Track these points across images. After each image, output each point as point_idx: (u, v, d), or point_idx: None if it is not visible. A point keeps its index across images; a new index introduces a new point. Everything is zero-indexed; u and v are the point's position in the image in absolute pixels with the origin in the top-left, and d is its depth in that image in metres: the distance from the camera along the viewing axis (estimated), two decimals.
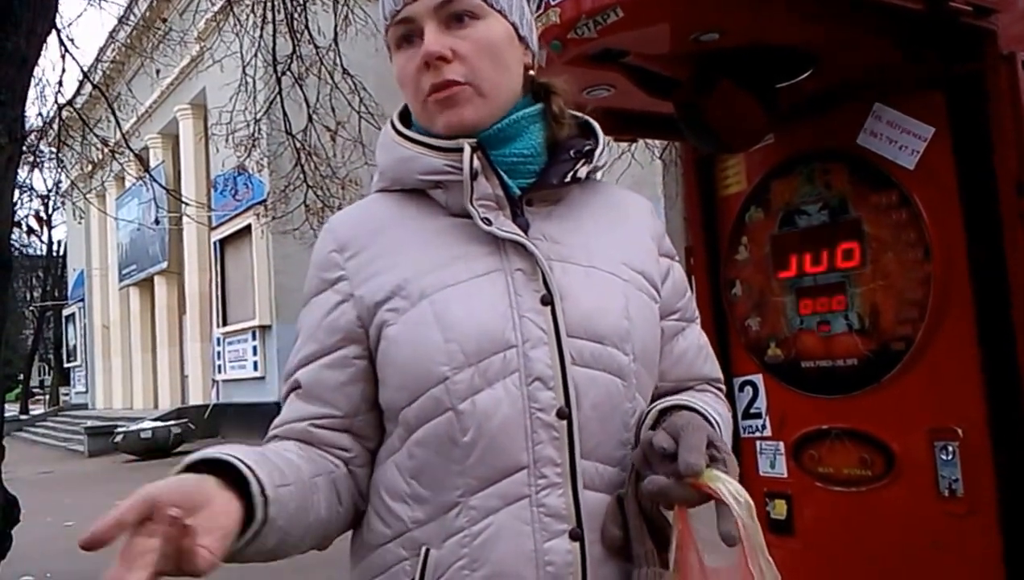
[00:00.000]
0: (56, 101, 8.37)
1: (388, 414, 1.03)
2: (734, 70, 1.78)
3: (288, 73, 7.75)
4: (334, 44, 7.74)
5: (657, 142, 7.54)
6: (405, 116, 1.11)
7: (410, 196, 1.08)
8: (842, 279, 1.95)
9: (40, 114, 12.88)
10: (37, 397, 38.97)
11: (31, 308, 34.87)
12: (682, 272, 1.18)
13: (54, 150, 9.52)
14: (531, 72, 1.10)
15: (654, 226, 1.15)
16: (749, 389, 2.19)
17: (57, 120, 8.58)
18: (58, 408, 29.59)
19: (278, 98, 7.92)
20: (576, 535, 0.96)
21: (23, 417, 27.40)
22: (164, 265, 20.41)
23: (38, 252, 34.10)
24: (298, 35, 7.53)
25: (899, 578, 1.89)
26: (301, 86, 7.93)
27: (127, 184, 21.20)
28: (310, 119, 8.08)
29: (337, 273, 1.05)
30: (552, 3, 1.68)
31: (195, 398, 19.30)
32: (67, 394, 32.34)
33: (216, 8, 10.86)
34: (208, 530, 0.77)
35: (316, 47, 7.70)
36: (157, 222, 17.95)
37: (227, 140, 8.70)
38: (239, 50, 7.97)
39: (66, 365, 32.06)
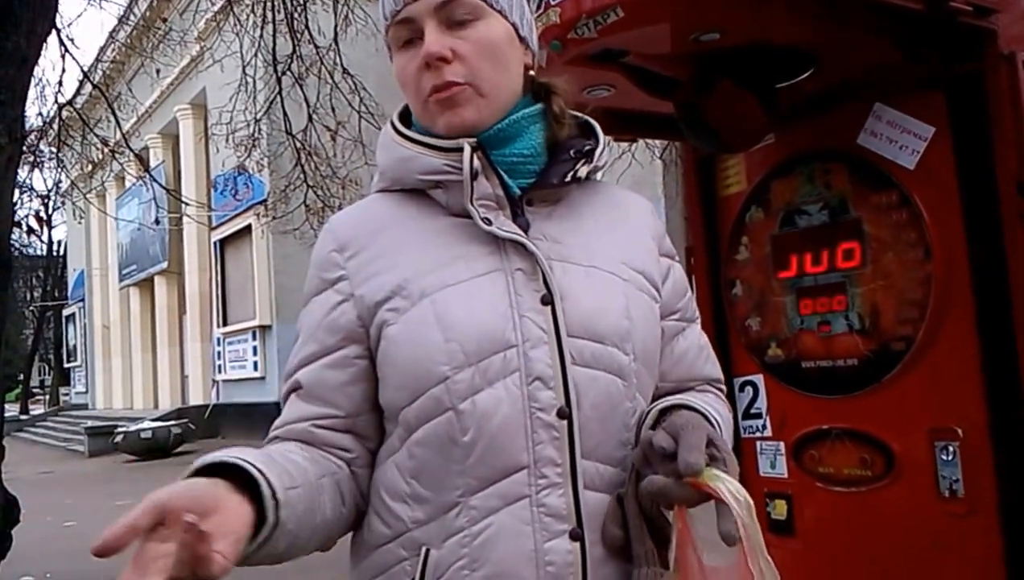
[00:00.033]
0: (56, 101, 8.39)
1: (388, 414, 1.03)
2: (734, 70, 1.78)
3: (288, 73, 7.75)
4: (334, 44, 7.74)
5: (657, 142, 7.55)
6: (405, 116, 1.11)
7: (410, 196, 1.08)
8: (842, 279, 1.95)
9: (40, 114, 12.90)
10: (37, 397, 38.98)
11: (31, 308, 34.89)
12: (682, 272, 1.18)
13: (54, 150, 9.52)
14: (531, 72, 1.10)
15: (654, 226, 1.15)
16: (749, 389, 2.19)
17: (57, 120, 8.59)
18: (58, 408, 29.59)
19: (278, 98, 7.91)
20: (576, 535, 0.96)
21: (23, 417, 27.41)
22: (164, 265, 20.42)
23: (38, 252, 34.13)
24: (298, 35, 7.53)
25: (900, 578, 1.89)
26: (301, 86, 7.93)
27: (127, 184, 21.21)
28: (310, 119, 8.08)
29: (337, 273, 1.05)
30: (552, 3, 1.67)
31: (195, 398, 19.31)
32: (67, 394, 32.35)
33: (216, 8, 10.86)
34: (222, 535, 0.76)
35: (316, 47, 7.70)
36: (157, 222, 17.95)
37: (227, 140, 8.71)
38: (239, 50, 7.97)
39: (66, 365, 32.07)
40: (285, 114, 7.94)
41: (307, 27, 7.56)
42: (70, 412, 26.22)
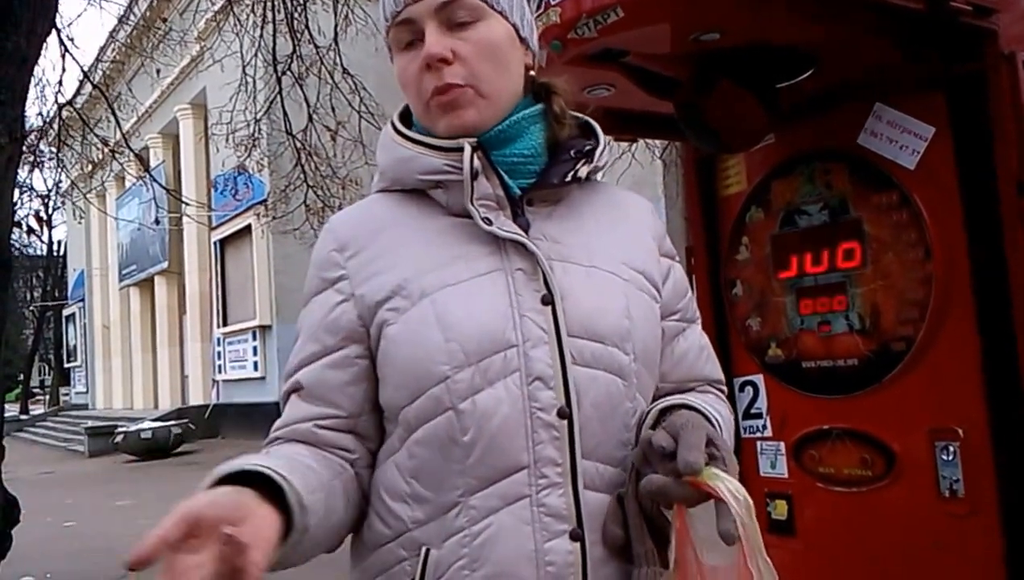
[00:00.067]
0: (56, 101, 8.38)
1: (388, 414, 1.03)
2: (734, 70, 1.78)
3: (288, 73, 7.75)
4: (334, 44, 7.74)
5: (657, 142, 7.54)
6: (406, 116, 1.11)
7: (410, 196, 1.08)
8: (843, 279, 1.95)
9: (40, 114, 12.89)
10: (37, 397, 38.97)
11: (31, 308, 34.88)
12: (683, 272, 1.18)
13: (54, 150, 9.51)
14: (532, 72, 1.10)
15: (655, 226, 1.15)
16: (750, 389, 2.19)
17: (57, 120, 8.58)
18: (58, 408, 29.58)
19: (278, 98, 7.91)
20: (576, 535, 0.96)
21: (23, 417, 27.40)
22: (164, 265, 20.42)
23: (38, 252, 34.13)
24: (298, 35, 7.53)
25: (900, 579, 1.89)
26: (301, 86, 7.93)
27: (127, 184, 21.20)
28: (310, 119, 8.08)
29: (338, 272, 1.05)
30: (552, 3, 1.68)
31: (195, 398, 19.30)
32: (67, 394, 32.35)
33: (216, 8, 10.86)
34: (254, 544, 0.76)
35: (316, 47, 7.70)
36: (157, 222, 17.94)
37: (227, 140, 8.70)
38: (239, 50, 7.97)
39: (66, 365, 32.06)
40: (285, 114, 7.94)
41: (307, 27, 7.55)
42: (70, 412, 26.22)
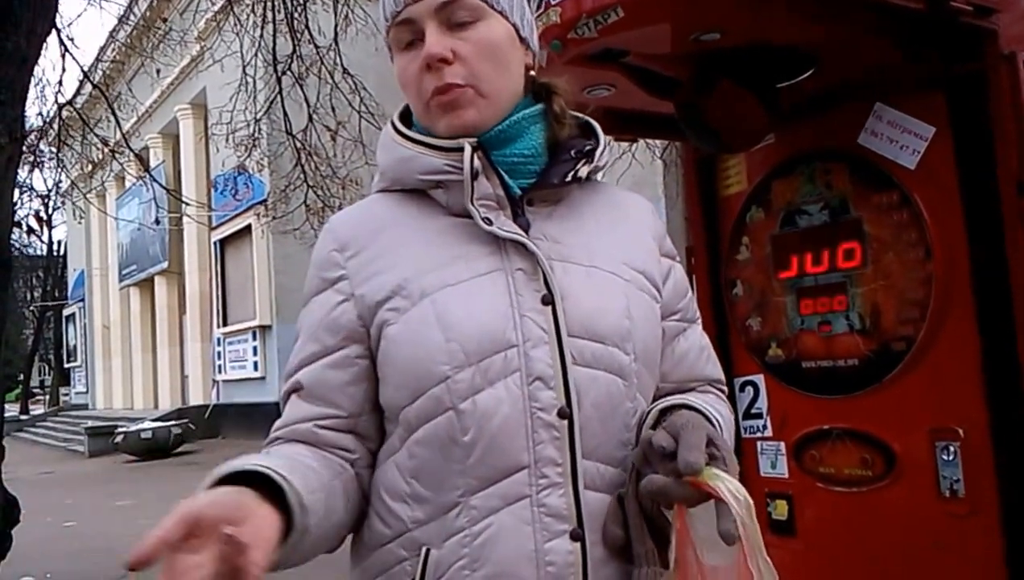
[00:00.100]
0: (56, 101, 8.39)
1: (388, 414, 1.03)
2: (735, 70, 1.78)
3: (288, 73, 7.75)
4: (334, 44, 7.73)
5: (658, 142, 7.54)
6: (406, 116, 1.11)
7: (411, 196, 1.08)
8: (843, 279, 1.95)
9: (40, 114, 12.90)
10: (37, 397, 38.97)
11: (31, 308, 34.88)
12: (683, 273, 1.18)
13: (54, 150, 9.52)
14: (532, 72, 1.10)
15: (655, 226, 1.15)
16: (750, 389, 2.19)
17: (57, 120, 8.59)
18: (58, 408, 29.59)
19: (278, 98, 7.91)
20: (577, 535, 0.96)
21: (23, 417, 27.40)
22: (164, 265, 20.42)
23: (38, 252, 34.13)
24: (298, 35, 7.53)
25: (900, 579, 1.89)
26: (301, 86, 7.93)
27: (127, 184, 21.20)
28: (310, 119, 8.08)
29: (338, 272, 1.05)
30: (552, 3, 1.67)
31: (195, 398, 19.30)
32: (67, 394, 32.35)
33: (216, 8, 10.86)
34: (255, 545, 0.76)
35: (316, 47, 7.69)
36: (157, 222, 17.95)
37: (227, 140, 8.70)
38: (239, 50, 7.97)
39: (66, 365, 32.06)
40: (285, 114, 7.94)
41: (307, 27, 7.55)
42: (70, 412, 26.22)
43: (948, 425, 1.78)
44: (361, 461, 1.05)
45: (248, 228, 15.79)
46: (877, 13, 1.64)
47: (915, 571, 1.85)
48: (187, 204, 12.34)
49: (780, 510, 2.10)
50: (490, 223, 1.01)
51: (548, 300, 0.99)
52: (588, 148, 1.08)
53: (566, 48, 1.69)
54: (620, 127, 2.20)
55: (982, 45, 1.71)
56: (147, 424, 16.45)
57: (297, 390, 1.04)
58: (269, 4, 7.57)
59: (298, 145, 8.22)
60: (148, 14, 12.32)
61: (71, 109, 8.42)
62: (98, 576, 5.53)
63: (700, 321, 1.18)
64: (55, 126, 8.76)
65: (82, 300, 28.04)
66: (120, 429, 16.38)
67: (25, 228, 27.53)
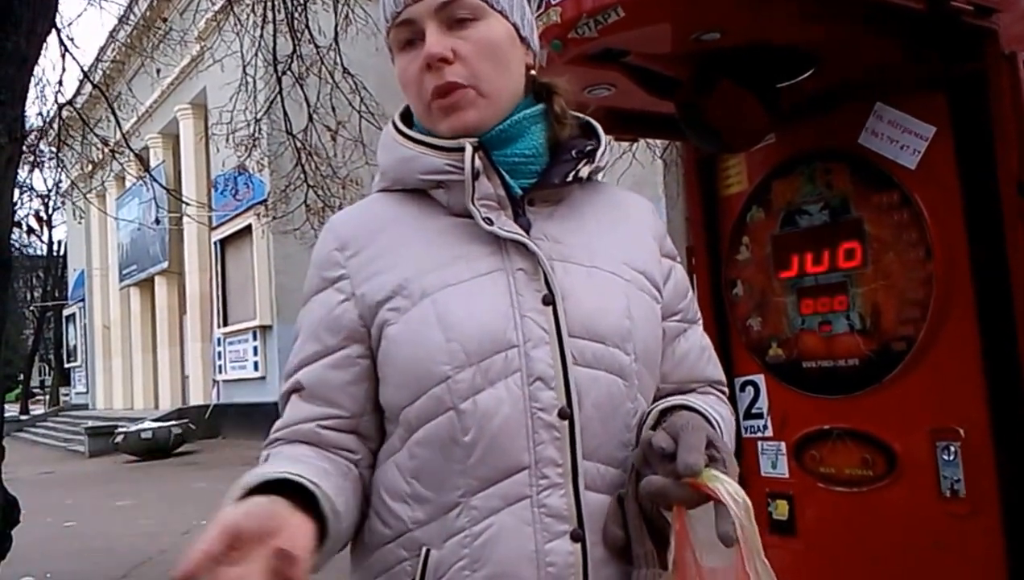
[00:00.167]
0: (56, 101, 8.38)
1: (389, 414, 1.03)
2: (735, 70, 1.78)
3: (288, 73, 7.74)
4: (335, 43, 7.73)
5: (658, 142, 7.54)
6: (407, 116, 1.11)
7: (411, 196, 1.08)
8: (843, 279, 1.95)
9: (40, 114, 12.87)
10: (37, 397, 38.97)
11: (31, 308, 34.89)
12: (684, 273, 1.18)
13: (54, 150, 9.51)
14: (532, 72, 1.10)
15: (656, 226, 1.15)
16: (750, 389, 2.19)
17: (57, 120, 8.58)
18: (58, 408, 29.58)
19: (278, 98, 7.90)
20: (577, 536, 0.96)
21: (23, 417, 27.39)
22: (164, 265, 20.42)
23: (38, 252, 34.12)
24: (298, 34, 7.52)
25: (901, 579, 1.89)
26: (302, 86, 7.92)
27: (127, 184, 21.20)
28: (311, 119, 8.07)
29: (338, 272, 1.05)
30: (553, 3, 1.67)
31: (196, 398, 19.30)
32: (67, 394, 32.35)
33: (216, 8, 10.85)
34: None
35: (316, 46, 7.69)
36: (157, 222, 17.95)
37: (227, 140, 8.70)
38: (239, 50, 7.96)
39: (66, 365, 32.06)
40: (285, 114, 7.94)
41: (307, 27, 7.55)
42: (70, 412, 26.21)
43: (949, 425, 1.78)
44: (363, 462, 1.04)
45: (248, 228, 15.79)
46: (878, 13, 1.64)
47: (916, 571, 1.85)
48: (187, 204, 12.33)
49: (781, 510, 2.10)
50: (491, 223, 1.00)
51: (549, 300, 0.99)
52: (589, 148, 1.07)
53: (566, 48, 1.69)
54: (620, 127, 2.21)
55: (982, 45, 1.71)
56: (147, 424, 16.44)
57: (298, 390, 1.04)
58: (269, 4, 7.56)
59: (298, 145, 8.21)
60: (148, 14, 12.32)
61: (71, 109, 8.42)
62: (98, 576, 5.53)
63: (701, 321, 1.18)
64: (55, 126, 8.75)
65: (82, 300, 28.05)
66: (120, 429, 16.37)
67: (25, 228, 27.51)
